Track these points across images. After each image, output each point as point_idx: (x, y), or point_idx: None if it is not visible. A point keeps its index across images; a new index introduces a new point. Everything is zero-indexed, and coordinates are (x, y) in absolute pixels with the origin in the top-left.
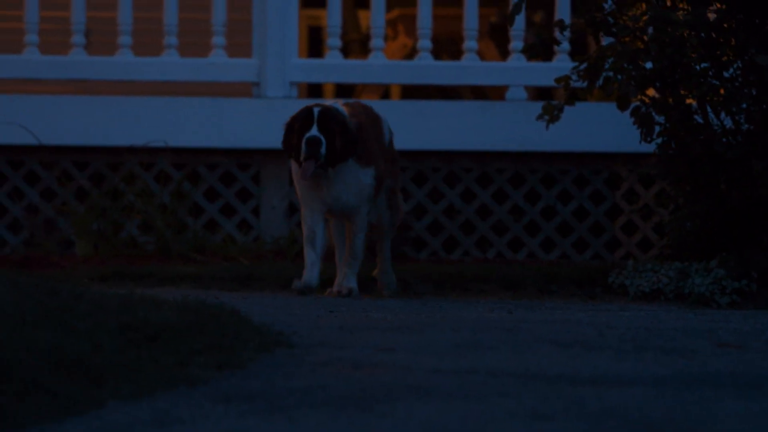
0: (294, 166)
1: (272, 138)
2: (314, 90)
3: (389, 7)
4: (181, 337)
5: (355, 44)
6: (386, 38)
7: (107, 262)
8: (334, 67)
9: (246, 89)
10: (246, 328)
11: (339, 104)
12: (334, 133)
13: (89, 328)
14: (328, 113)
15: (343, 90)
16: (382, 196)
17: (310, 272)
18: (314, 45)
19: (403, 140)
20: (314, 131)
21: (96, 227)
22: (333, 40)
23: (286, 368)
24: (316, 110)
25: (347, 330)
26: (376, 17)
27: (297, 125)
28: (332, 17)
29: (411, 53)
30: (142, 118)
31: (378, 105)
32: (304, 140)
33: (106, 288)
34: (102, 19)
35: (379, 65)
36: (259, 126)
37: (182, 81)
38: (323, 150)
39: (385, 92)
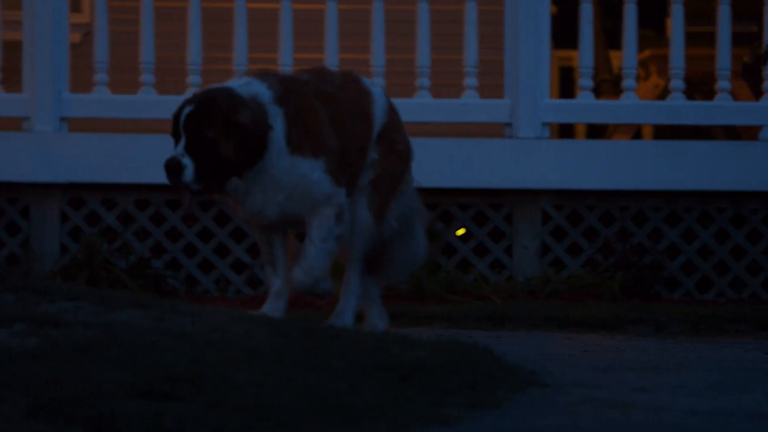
0: None
1: (524, 178)
2: (566, 130)
3: (641, 47)
4: (435, 376)
5: (607, 84)
6: (638, 78)
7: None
8: (585, 107)
9: (497, 130)
10: (499, 368)
11: (257, 82)
12: (211, 143)
13: (345, 368)
14: (199, 113)
15: (595, 130)
16: (361, 197)
17: (272, 303)
18: (565, 85)
19: (655, 180)
20: (178, 149)
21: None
22: (585, 81)
23: (539, 408)
24: (184, 112)
25: (600, 369)
26: (628, 57)
27: (172, 129)
28: (584, 58)
29: (663, 93)
30: None
31: (629, 145)
32: (163, 164)
33: (361, 328)
34: (354, 61)
35: (631, 105)
36: (511, 166)
37: (434, 122)
38: (187, 177)
39: (636, 132)
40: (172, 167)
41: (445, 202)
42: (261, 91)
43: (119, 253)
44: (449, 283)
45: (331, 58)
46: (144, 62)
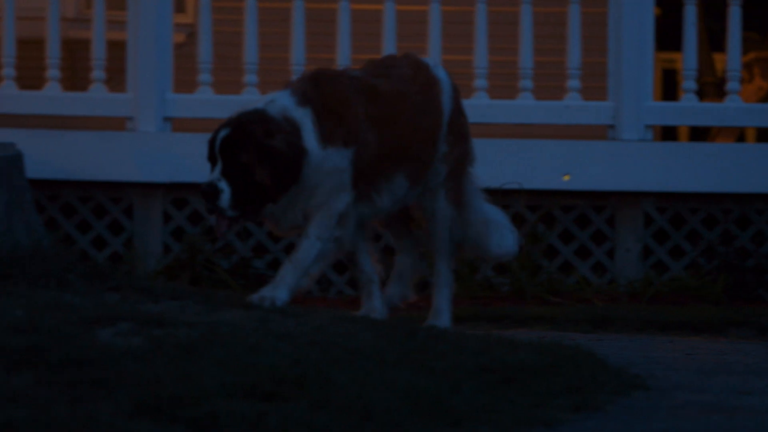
0: None
1: (627, 181)
2: (668, 132)
3: (745, 50)
4: (538, 378)
5: (710, 87)
6: (741, 81)
7: (463, 303)
8: (688, 110)
9: (599, 132)
10: (602, 371)
11: (282, 98)
12: (247, 169)
13: (447, 369)
14: (235, 138)
15: (698, 132)
16: (439, 190)
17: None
18: (668, 88)
19: (759, 183)
20: (214, 174)
21: (453, 268)
22: (688, 83)
23: (643, 411)
24: (220, 136)
25: (704, 373)
26: (732, 60)
27: (208, 154)
28: (688, 60)
29: (766, 96)
30: (497, 160)
31: (732, 148)
32: (200, 190)
33: (463, 329)
34: (457, 62)
35: (735, 108)
36: (614, 169)
37: (537, 124)
38: (224, 202)
39: (739, 135)
40: (210, 192)
41: (548, 204)
42: (285, 102)
43: (221, 253)
44: (551, 285)
45: (434, 58)
46: (247, 63)
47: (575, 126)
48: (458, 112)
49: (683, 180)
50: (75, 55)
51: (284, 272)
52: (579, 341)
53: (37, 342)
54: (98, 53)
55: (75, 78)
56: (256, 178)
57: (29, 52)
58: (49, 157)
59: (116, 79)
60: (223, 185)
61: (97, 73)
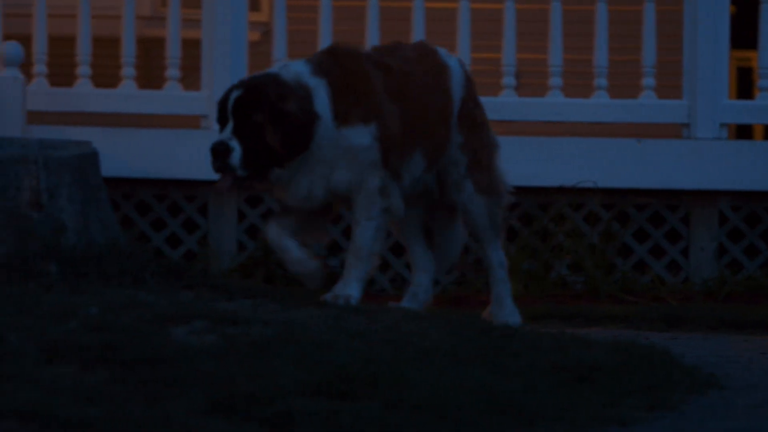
0: None
1: (702, 179)
2: (743, 131)
3: None
4: (612, 377)
5: None
6: None
7: (537, 302)
8: (765, 108)
9: (674, 130)
10: (677, 369)
11: (295, 64)
12: (259, 129)
13: (521, 368)
14: (248, 98)
15: None
16: (466, 184)
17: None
18: (743, 86)
19: None
20: (225, 133)
21: (526, 267)
22: (764, 81)
23: (717, 410)
24: (233, 96)
25: None
26: None
27: (218, 116)
28: (763, 58)
29: None
30: (571, 158)
31: None
32: (210, 148)
33: (536, 327)
34: (532, 61)
35: None
36: (688, 167)
37: (611, 122)
38: (234, 161)
39: None
40: (221, 150)
41: (621, 203)
42: (299, 69)
43: None
44: (625, 283)
45: (508, 57)
46: None
47: (650, 125)
48: (472, 101)
49: (758, 179)
50: (150, 53)
51: (349, 265)
52: (653, 340)
53: (112, 340)
54: (173, 52)
55: (150, 76)
56: (267, 139)
57: (105, 50)
58: (125, 155)
59: (191, 77)
60: (235, 144)
61: (172, 71)
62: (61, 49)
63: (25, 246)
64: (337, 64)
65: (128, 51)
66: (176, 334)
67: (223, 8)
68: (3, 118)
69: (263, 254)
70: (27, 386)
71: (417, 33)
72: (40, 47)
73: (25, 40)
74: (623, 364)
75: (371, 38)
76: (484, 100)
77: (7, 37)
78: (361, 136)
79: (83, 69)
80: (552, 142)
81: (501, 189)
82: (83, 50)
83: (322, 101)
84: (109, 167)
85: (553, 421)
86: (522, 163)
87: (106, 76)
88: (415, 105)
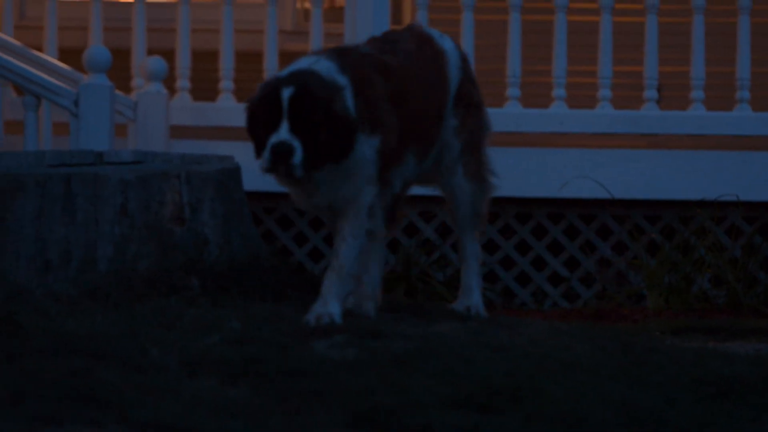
0: None
1: None
2: None
3: None
4: (754, 391)
5: None
6: None
7: (678, 316)
8: None
9: None
10: None
11: (323, 59)
12: (315, 128)
13: (662, 382)
14: (304, 96)
15: None
16: (456, 167)
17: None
18: None
19: None
20: (283, 132)
21: (667, 281)
22: None
23: None
24: (286, 94)
25: None
26: None
27: (261, 115)
28: None
29: None
30: (712, 172)
31: None
32: (269, 147)
33: (678, 341)
34: (673, 74)
35: None
36: None
37: (755, 135)
38: (296, 160)
39: None
40: (285, 150)
41: (764, 216)
42: (328, 64)
43: (436, 265)
44: (767, 297)
45: (651, 70)
46: None
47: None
48: (468, 81)
49: None
50: None
51: (330, 283)
52: None
53: (254, 354)
54: None
55: None
56: (320, 140)
57: (247, 64)
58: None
59: None
60: (297, 144)
61: None
62: (204, 63)
63: (168, 260)
64: (349, 65)
65: (271, 65)
66: (317, 348)
67: (364, 22)
68: (147, 132)
69: (404, 268)
70: (169, 400)
71: (559, 48)
72: (183, 62)
73: (169, 55)
74: (766, 378)
75: (513, 52)
76: (625, 114)
77: (151, 52)
78: (367, 147)
79: (226, 83)
80: (691, 155)
81: (487, 176)
82: (226, 65)
83: (351, 102)
84: (251, 181)
85: None
86: (663, 177)
87: (248, 90)
88: (412, 107)
